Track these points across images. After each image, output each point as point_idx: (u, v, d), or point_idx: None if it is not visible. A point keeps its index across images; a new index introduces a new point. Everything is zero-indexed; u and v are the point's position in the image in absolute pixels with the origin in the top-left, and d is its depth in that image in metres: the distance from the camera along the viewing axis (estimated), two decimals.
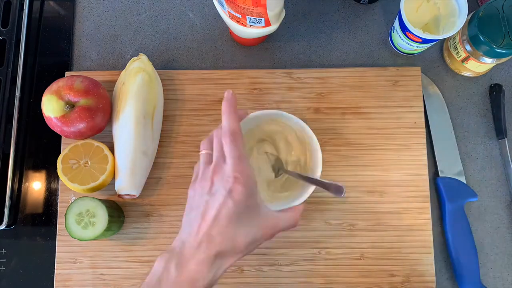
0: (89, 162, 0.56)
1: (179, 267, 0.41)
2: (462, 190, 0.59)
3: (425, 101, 0.62)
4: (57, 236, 0.59)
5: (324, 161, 0.60)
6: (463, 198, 0.59)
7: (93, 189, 0.56)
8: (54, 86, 0.56)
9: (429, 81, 0.62)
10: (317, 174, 0.54)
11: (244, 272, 0.58)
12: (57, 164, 0.56)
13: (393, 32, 0.62)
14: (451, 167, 0.60)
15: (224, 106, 0.46)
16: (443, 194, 0.59)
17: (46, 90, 0.56)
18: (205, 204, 0.43)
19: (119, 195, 0.57)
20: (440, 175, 0.60)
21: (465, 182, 0.60)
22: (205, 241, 0.42)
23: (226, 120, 0.45)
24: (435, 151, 0.61)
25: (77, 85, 0.55)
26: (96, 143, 0.57)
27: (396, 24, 0.59)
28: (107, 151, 0.57)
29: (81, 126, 0.55)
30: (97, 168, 0.56)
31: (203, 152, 0.48)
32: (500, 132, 0.61)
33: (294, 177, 0.56)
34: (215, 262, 0.42)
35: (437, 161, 0.61)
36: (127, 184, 0.57)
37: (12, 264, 0.59)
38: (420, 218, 0.59)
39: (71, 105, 0.55)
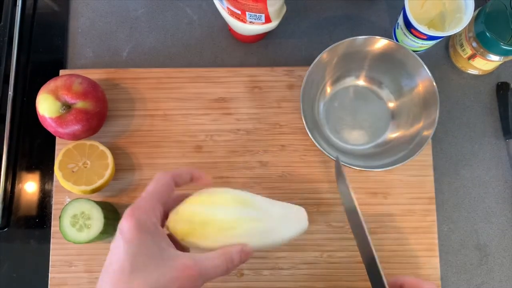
0: (88, 162, 0.55)
1: None
2: None
3: None
4: (51, 239, 0.58)
5: (325, 162, 0.59)
6: None
7: (101, 187, 0.55)
8: (52, 84, 0.54)
9: None
10: None
11: (244, 275, 0.57)
12: (55, 172, 0.54)
13: (397, 28, 0.60)
14: None
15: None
16: None
17: (42, 88, 0.54)
18: None
19: None
20: None
21: None
22: None
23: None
24: None
25: (75, 87, 0.54)
26: (89, 142, 0.56)
27: (401, 20, 0.58)
28: (102, 147, 0.56)
29: (76, 128, 0.54)
30: (99, 165, 0.55)
31: None
32: (507, 132, 0.60)
33: None
34: None
35: None
36: None
37: (5, 268, 0.58)
38: (425, 220, 0.57)
39: (67, 106, 0.54)
